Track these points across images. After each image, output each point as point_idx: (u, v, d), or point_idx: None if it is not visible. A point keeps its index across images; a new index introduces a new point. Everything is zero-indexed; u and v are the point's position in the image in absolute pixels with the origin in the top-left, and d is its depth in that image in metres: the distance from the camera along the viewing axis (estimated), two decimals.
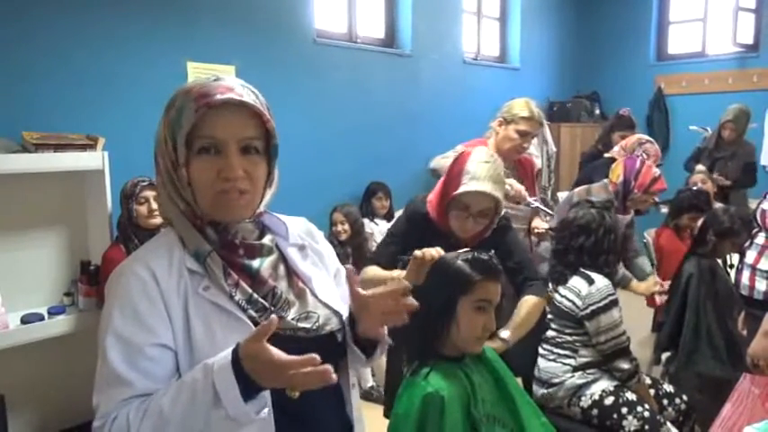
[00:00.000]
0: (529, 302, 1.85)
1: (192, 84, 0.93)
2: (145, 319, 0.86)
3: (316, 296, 1.02)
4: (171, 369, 0.88)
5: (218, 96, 0.88)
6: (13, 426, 2.31)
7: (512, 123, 2.46)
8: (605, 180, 2.75)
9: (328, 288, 1.06)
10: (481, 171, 1.71)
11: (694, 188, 3.46)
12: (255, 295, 0.93)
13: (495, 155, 1.85)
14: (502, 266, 1.47)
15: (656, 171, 2.65)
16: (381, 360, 3.40)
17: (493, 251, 1.46)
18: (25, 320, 2.18)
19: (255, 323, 0.91)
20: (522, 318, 1.82)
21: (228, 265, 0.93)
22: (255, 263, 0.96)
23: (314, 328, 0.98)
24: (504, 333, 1.75)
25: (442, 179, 1.82)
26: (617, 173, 2.66)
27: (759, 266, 2.27)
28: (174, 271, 0.90)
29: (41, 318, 2.22)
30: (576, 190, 2.79)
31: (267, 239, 1.00)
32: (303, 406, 0.94)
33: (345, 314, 1.04)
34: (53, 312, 2.27)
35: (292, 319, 0.96)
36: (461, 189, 1.71)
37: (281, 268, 1.01)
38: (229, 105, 0.89)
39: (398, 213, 4.03)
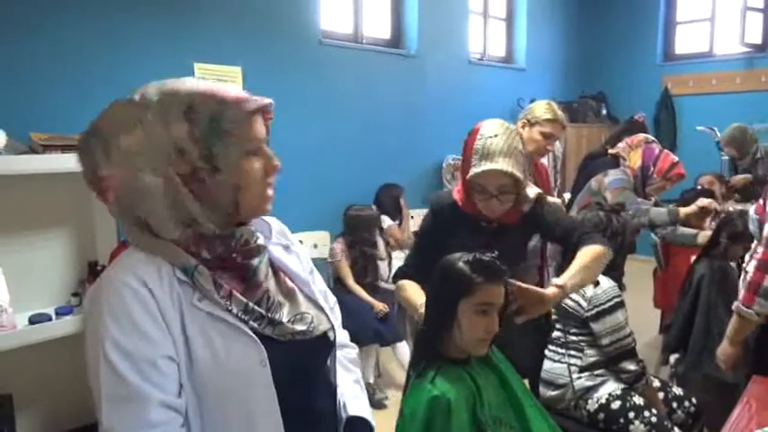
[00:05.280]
0: (588, 250, 1.62)
1: (202, 89, 0.87)
2: (148, 332, 0.83)
3: (306, 295, 1.03)
4: (178, 382, 0.86)
5: (262, 100, 0.90)
6: (21, 425, 2.32)
7: (536, 125, 2.47)
8: (622, 167, 2.77)
9: (312, 287, 1.07)
10: (490, 147, 1.61)
11: (698, 188, 3.45)
12: (251, 304, 0.91)
13: (507, 124, 1.72)
14: (550, 241, 1.44)
15: (674, 157, 2.70)
16: (391, 363, 3.40)
17: (534, 236, 1.41)
18: (33, 321, 2.19)
19: (256, 332, 0.91)
20: (580, 264, 1.59)
21: (222, 270, 0.90)
22: (255, 261, 0.95)
23: (310, 329, 0.98)
24: (559, 280, 1.55)
25: (460, 163, 1.74)
26: (635, 160, 2.68)
27: (748, 268, 2.28)
28: (166, 282, 0.86)
29: (49, 318, 2.23)
30: (594, 179, 2.80)
31: (261, 240, 0.98)
32: (307, 402, 0.98)
33: (330, 312, 1.06)
34: (61, 313, 2.28)
35: (288, 321, 0.95)
36: (472, 171, 1.63)
37: (269, 268, 1.00)
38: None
39: (407, 212, 4.09)
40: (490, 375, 1.45)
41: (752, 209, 2.25)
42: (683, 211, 2.69)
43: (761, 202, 2.24)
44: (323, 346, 1.02)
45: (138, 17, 2.97)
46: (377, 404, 3.07)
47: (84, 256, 2.42)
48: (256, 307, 0.91)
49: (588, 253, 1.61)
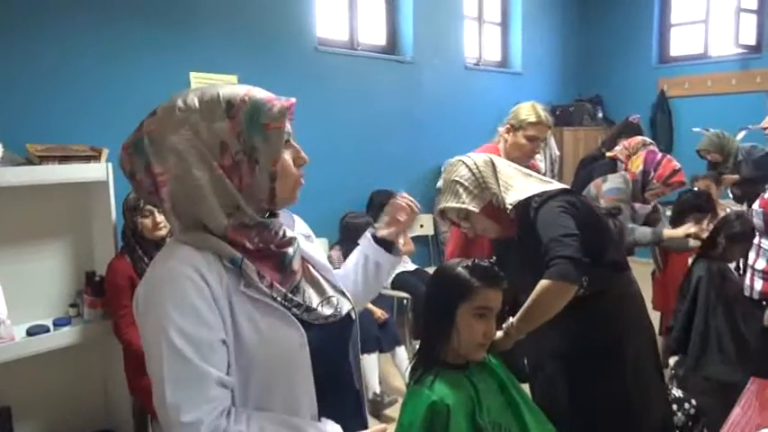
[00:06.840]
0: (539, 285, 1.52)
1: (238, 90, 0.96)
2: (206, 318, 0.91)
3: (328, 280, 1.12)
4: (227, 362, 0.93)
5: (288, 100, 0.98)
6: None
7: (520, 129, 2.42)
8: (623, 172, 2.78)
9: (333, 272, 1.17)
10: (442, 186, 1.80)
11: (695, 189, 3.45)
12: (289, 294, 0.99)
13: (455, 159, 1.78)
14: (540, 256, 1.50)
15: (677, 164, 2.70)
16: (389, 368, 3.39)
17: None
18: (31, 332, 2.19)
19: (294, 317, 0.99)
20: (527, 304, 1.53)
21: (260, 261, 0.97)
22: (290, 250, 1.02)
23: (337, 312, 1.07)
24: (507, 323, 1.55)
25: None
26: (636, 164, 2.70)
27: (756, 266, 2.29)
28: (215, 270, 0.93)
29: (47, 329, 2.23)
30: (593, 183, 2.80)
31: (289, 232, 1.06)
32: (337, 378, 1.10)
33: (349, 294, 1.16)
34: (58, 324, 2.28)
35: (318, 305, 1.04)
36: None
37: (301, 258, 1.09)
38: None
39: None
40: (489, 380, 1.45)
41: (756, 203, 2.26)
42: (668, 233, 2.70)
43: (765, 196, 2.25)
44: (348, 325, 1.11)
45: (134, 27, 2.98)
46: (388, 408, 3.06)
47: (82, 267, 2.43)
48: (293, 296, 1.00)
49: (536, 290, 1.52)
